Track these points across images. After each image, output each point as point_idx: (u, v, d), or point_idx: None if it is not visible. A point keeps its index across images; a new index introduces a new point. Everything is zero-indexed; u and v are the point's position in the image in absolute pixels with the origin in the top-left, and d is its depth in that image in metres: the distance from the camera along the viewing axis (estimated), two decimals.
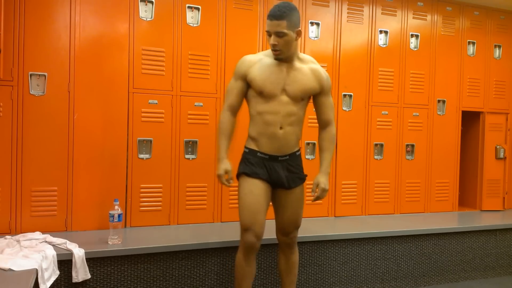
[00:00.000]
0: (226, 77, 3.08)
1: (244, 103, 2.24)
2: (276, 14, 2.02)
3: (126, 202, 2.85)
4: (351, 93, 3.48)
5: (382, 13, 3.59)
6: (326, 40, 3.41)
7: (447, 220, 3.51)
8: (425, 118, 3.76)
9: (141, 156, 2.89)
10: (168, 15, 2.94)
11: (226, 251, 2.61)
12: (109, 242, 2.44)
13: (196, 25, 3.01)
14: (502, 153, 3.99)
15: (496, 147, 4.01)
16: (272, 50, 2.09)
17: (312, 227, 3.06)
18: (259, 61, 2.16)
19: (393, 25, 3.63)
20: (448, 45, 3.84)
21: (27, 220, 2.62)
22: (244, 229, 2.12)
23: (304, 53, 3.29)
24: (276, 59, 2.12)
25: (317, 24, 3.38)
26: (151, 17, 2.90)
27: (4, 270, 1.94)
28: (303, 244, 2.79)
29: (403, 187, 3.68)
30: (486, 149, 3.99)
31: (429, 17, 3.77)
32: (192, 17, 3.01)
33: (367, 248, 2.99)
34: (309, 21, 3.35)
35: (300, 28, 2.09)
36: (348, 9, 3.47)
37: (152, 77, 2.90)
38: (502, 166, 4.04)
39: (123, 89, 2.84)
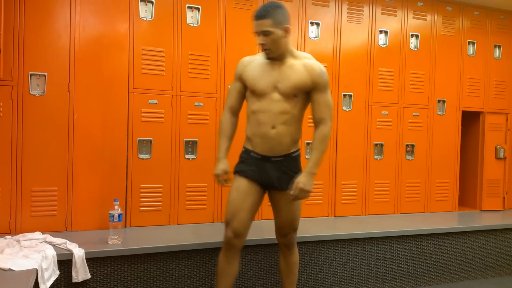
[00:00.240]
0: (226, 77, 3.08)
1: (245, 103, 2.25)
2: (260, 14, 2.03)
3: (126, 202, 2.85)
4: (351, 93, 3.48)
5: (382, 13, 3.59)
6: (326, 40, 3.41)
7: (447, 220, 3.51)
8: (425, 118, 3.76)
9: (141, 156, 2.89)
10: (168, 15, 2.94)
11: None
12: (109, 242, 2.44)
13: (196, 25, 3.02)
14: (502, 153, 3.99)
15: (496, 147, 4.01)
16: (262, 50, 2.10)
17: (312, 227, 3.06)
18: (254, 61, 2.19)
19: (393, 25, 3.64)
20: (448, 45, 3.84)
21: (27, 220, 2.62)
22: (225, 224, 2.19)
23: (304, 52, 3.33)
24: (268, 58, 2.13)
25: (317, 24, 3.38)
26: (151, 17, 2.90)
27: (4, 270, 1.94)
28: (303, 244, 2.80)
29: (403, 187, 3.68)
30: (486, 149, 3.99)
31: (429, 17, 3.77)
32: (192, 17, 3.01)
33: (367, 248, 2.99)
34: (309, 21, 3.35)
35: (287, 25, 2.06)
36: (348, 9, 3.47)
37: (152, 77, 2.90)
38: (502, 166, 4.04)
39: (123, 89, 2.84)
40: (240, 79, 2.20)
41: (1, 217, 2.57)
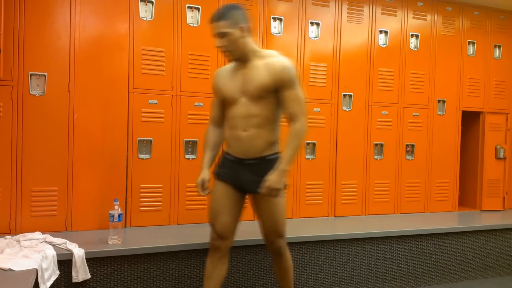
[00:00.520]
0: None
1: None
2: (215, 17, 2.02)
3: (126, 202, 2.85)
4: (351, 93, 3.49)
5: (382, 13, 3.59)
6: (326, 40, 3.41)
7: (447, 220, 3.51)
8: (425, 118, 3.76)
9: (141, 156, 2.89)
10: (168, 15, 2.94)
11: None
12: (109, 242, 2.44)
13: (196, 25, 3.01)
14: (502, 153, 3.99)
15: (496, 147, 4.01)
16: (222, 52, 2.09)
17: (312, 227, 3.06)
18: (224, 70, 2.19)
19: (393, 25, 3.64)
20: (448, 45, 3.84)
21: (27, 220, 2.62)
22: (210, 227, 2.21)
23: (304, 53, 3.33)
24: (230, 61, 2.11)
25: (317, 24, 3.38)
26: (151, 17, 2.90)
27: (4, 270, 1.94)
28: (303, 244, 2.80)
29: (403, 187, 3.68)
30: (486, 149, 3.99)
31: (429, 17, 3.77)
32: (192, 17, 3.01)
33: (367, 248, 2.99)
34: (309, 21, 3.35)
35: (244, 24, 2.02)
36: (348, 9, 3.47)
37: (152, 77, 2.90)
38: (502, 166, 4.04)
39: (123, 89, 2.84)
40: (215, 90, 2.22)
41: (1, 217, 2.57)
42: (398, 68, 3.65)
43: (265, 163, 2.08)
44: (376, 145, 3.59)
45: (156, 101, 2.91)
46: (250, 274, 2.69)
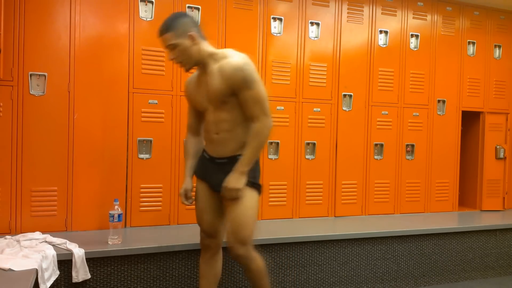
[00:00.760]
0: None
1: None
2: (161, 30, 1.96)
3: (126, 202, 2.85)
4: (351, 93, 3.48)
5: (382, 13, 3.59)
6: (326, 40, 3.41)
7: (447, 220, 3.51)
8: (425, 118, 3.76)
9: (141, 156, 2.89)
10: (168, 15, 2.93)
11: (226, 251, 2.61)
12: (109, 242, 2.44)
13: None
14: (502, 153, 3.99)
15: (496, 147, 4.01)
16: (176, 64, 2.05)
17: (312, 227, 3.06)
18: (191, 79, 2.15)
19: (393, 25, 3.64)
20: (448, 45, 3.84)
21: (27, 220, 2.62)
22: (199, 226, 2.22)
23: (304, 53, 3.33)
24: (187, 71, 2.05)
25: (317, 24, 3.38)
26: (151, 17, 2.90)
27: (4, 270, 1.94)
28: (303, 244, 2.80)
29: (403, 187, 3.68)
30: (486, 149, 3.99)
31: (429, 17, 3.77)
32: None
33: (367, 248, 2.99)
34: (309, 21, 3.35)
35: (192, 32, 1.94)
36: (348, 9, 3.47)
37: (152, 77, 2.90)
38: (502, 166, 4.04)
39: (123, 89, 2.84)
40: (188, 100, 2.20)
41: (1, 217, 2.57)
42: (398, 68, 3.65)
43: (235, 163, 2.00)
44: (376, 145, 3.59)
45: (156, 101, 2.91)
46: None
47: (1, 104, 2.56)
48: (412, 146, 3.71)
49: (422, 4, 3.73)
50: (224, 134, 2.02)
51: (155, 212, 2.92)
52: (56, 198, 2.68)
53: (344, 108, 3.47)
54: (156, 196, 2.92)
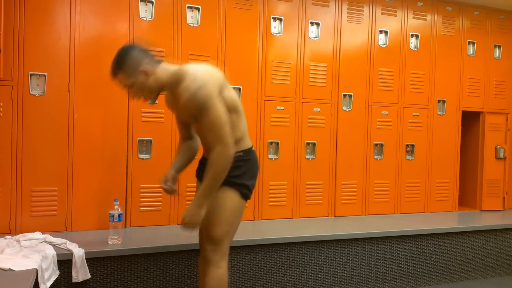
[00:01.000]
0: (226, 77, 3.07)
1: None
2: (111, 72, 1.89)
3: (126, 202, 2.85)
4: (351, 93, 3.49)
5: (382, 13, 3.59)
6: (326, 40, 3.41)
7: (447, 220, 3.51)
8: (425, 118, 3.76)
9: (141, 156, 2.89)
10: (168, 15, 2.94)
11: None
12: (109, 242, 2.44)
13: (196, 25, 3.01)
14: (502, 153, 3.99)
15: (496, 147, 4.01)
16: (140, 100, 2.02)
17: (312, 227, 3.06)
18: (168, 94, 2.12)
19: (393, 25, 3.64)
20: (448, 45, 3.84)
21: (27, 220, 2.62)
22: None
23: (304, 53, 3.33)
24: (154, 101, 2.03)
25: (317, 24, 3.38)
26: (151, 17, 2.90)
27: (4, 270, 1.94)
28: (303, 244, 2.80)
29: (403, 187, 3.68)
30: (486, 149, 3.99)
31: (429, 17, 3.77)
32: (192, 17, 3.01)
33: (367, 248, 2.99)
34: (309, 21, 3.35)
35: (144, 65, 1.86)
36: (348, 9, 3.47)
37: None
38: (502, 166, 4.04)
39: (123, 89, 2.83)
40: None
41: (1, 217, 2.57)
42: (398, 68, 3.65)
43: None
44: (376, 145, 3.59)
45: (156, 101, 2.91)
46: (250, 274, 2.69)
47: (1, 104, 2.56)
48: (412, 146, 3.71)
49: (422, 4, 3.73)
50: (209, 143, 1.99)
51: (155, 212, 2.92)
52: (56, 198, 2.68)
53: (344, 108, 3.47)
54: (156, 196, 2.92)
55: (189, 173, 2.98)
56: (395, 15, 3.64)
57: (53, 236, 2.44)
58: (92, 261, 2.32)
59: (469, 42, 3.93)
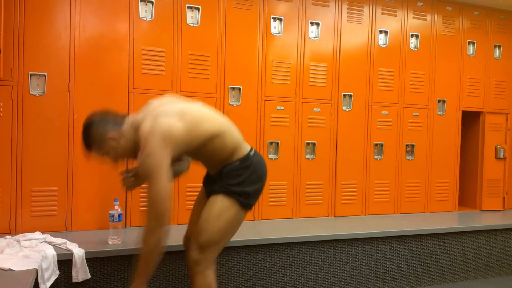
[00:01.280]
0: (226, 77, 3.08)
1: None
2: (85, 149, 1.91)
3: (126, 202, 2.84)
4: (351, 93, 3.48)
5: (382, 13, 3.59)
6: (326, 40, 3.41)
7: (447, 220, 3.51)
8: (425, 118, 3.76)
9: None
10: (168, 15, 2.94)
11: (226, 251, 2.61)
12: (109, 242, 2.44)
13: (196, 25, 3.01)
14: (502, 153, 3.99)
15: (496, 147, 4.01)
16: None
17: (312, 227, 3.06)
18: None
19: (393, 25, 3.64)
20: (448, 45, 3.84)
21: (27, 220, 2.62)
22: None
23: (304, 53, 3.33)
24: (134, 159, 1.94)
25: (317, 24, 3.38)
26: (151, 17, 2.90)
27: (4, 270, 1.94)
28: (303, 244, 2.80)
29: (403, 187, 3.68)
30: (486, 149, 3.99)
31: (429, 17, 3.77)
32: (192, 17, 3.01)
33: (367, 248, 2.99)
34: (309, 21, 3.35)
35: (109, 134, 1.86)
36: (348, 9, 3.47)
37: (152, 77, 2.90)
38: (502, 166, 4.04)
39: (123, 89, 2.84)
40: None
41: (1, 217, 2.57)
42: (398, 68, 3.65)
43: (223, 174, 2.01)
44: (376, 145, 3.59)
45: None
46: (250, 274, 2.69)
47: (1, 104, 2.56)
48: (412, 146, 3.71)
49: (422, 4, 3.73)
50: (202, 164, 2.12)
51: None
52: (56, 198, 2.68)
53: (344, 108, 3.47)
54: None
55: (189, 173, 2.99)
56: (395, 15, 3.64)
57: (53, 236, 2.44)
58: (92, 261, 2.32)
59: (469, 42, 3.93)
